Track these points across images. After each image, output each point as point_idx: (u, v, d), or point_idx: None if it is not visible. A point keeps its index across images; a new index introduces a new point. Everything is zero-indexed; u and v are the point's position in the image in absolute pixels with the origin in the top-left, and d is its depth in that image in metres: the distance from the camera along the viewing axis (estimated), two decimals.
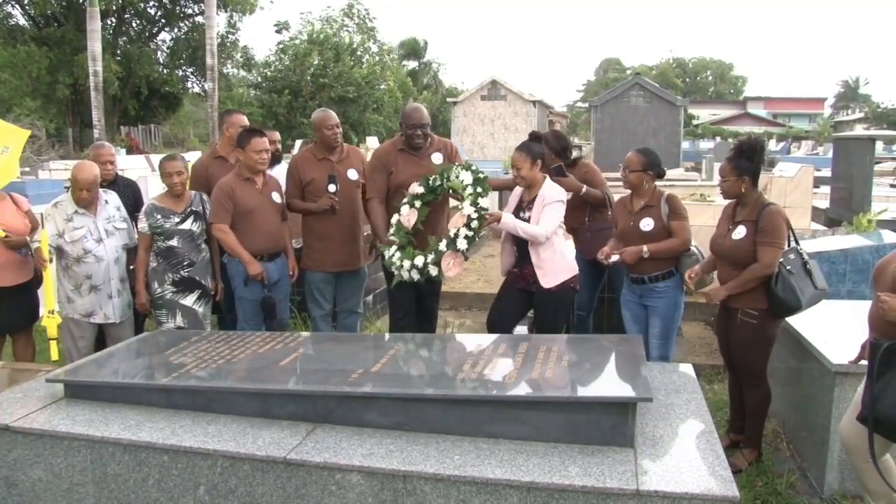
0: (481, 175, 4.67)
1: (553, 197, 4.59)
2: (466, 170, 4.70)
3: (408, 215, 4.79)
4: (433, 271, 4.47)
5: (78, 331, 4.90)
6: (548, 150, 5.37)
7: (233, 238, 4.88)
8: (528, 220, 4.62)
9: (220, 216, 4.89)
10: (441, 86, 51.12)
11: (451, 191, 4.83)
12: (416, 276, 4.52)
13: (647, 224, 4.55)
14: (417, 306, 5.22)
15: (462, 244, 4.45)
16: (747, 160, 4.12)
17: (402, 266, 4.57)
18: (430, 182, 4.80)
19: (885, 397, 3.00)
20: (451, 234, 4.51)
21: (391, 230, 4.83)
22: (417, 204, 4.81)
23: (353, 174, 5.32)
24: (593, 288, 5.73)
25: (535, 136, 5.00)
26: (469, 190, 4.57)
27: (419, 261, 4.52)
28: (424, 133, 5.03)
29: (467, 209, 4.50)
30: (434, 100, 46.50)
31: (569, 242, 4.85)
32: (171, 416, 3.16)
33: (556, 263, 4.62)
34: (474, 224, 4.46)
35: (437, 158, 5.07)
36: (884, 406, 3.00)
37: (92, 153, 5.53)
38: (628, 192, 4.81)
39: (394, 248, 4.69)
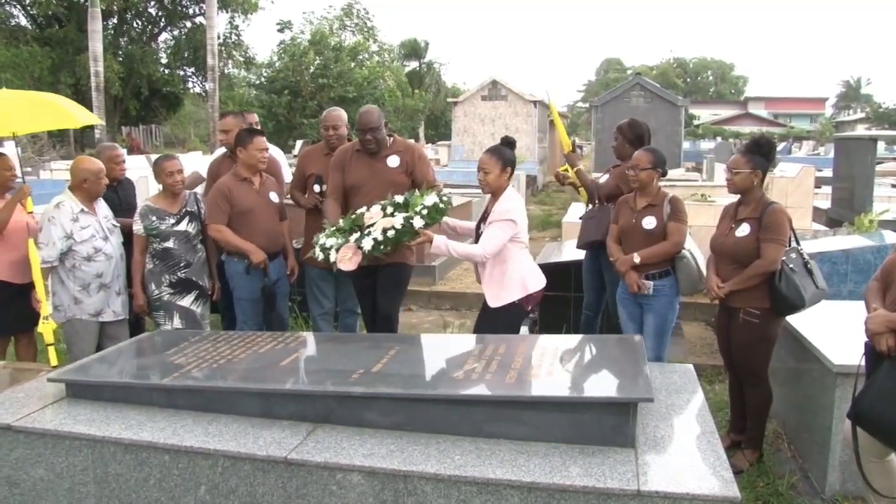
0: (443, 205, 4.32)
1: (502, 214, 4.27)
2: (436, 196, 4.36)
3: (373, 215, 4.38)
4: (332, 257, 4.24)
5: (85, 332, 4.89)
6: (622, 139, 5.38)
7: (229, 233, 4.89)
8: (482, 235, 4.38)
9: (215, 217, 4.90)
10: (442, 86, 51.10)
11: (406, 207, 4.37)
12: (319, 254, 4.30)
13: (649, 223, 4.55)
14: (372, 303, 5.07)
15: (367, 244, 4.16)
16: (762, 156, 4.12)
17: (318, 241, 4.36)
18: (410, 199, 4.40)
19: (867, 395, 3.06)
20: (365, 224, 4.30)
21: (345, 217, 4.53)
22: (388, 211, 4.37)
23: None
24: (600, 287, 5.67)
25: (507, 142, 4.56)
26: (417, 207, 4.23)
27: (330, 242, 4.29)
28: (375, 137, 4.82)
29: (396, 220, 4.19)
30: (436, 100, 46.52)
31: (526, 258, 4.46)
32: (172, 415, 3.16)
33: (503, 282, 4.34)
34: (390, 234, 4.15)
35: (392, 161, 4.91)
36: (864, 403, 3.06)
37: (105, 154, 5.50)
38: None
39: (331, 229, 4.45)
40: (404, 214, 4.19)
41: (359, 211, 4.48)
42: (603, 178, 5.60)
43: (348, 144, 5.13)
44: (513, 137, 4.66)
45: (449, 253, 4.33)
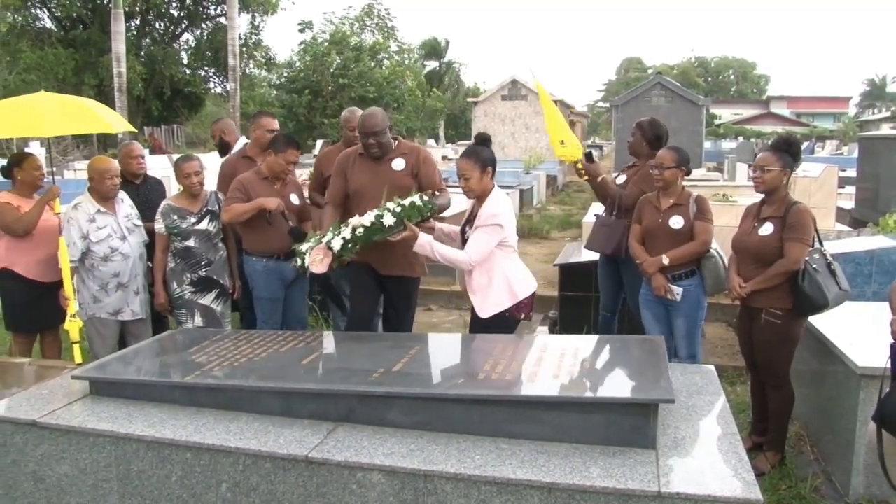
0: (426, 206, 4.16)
1: (488, 219, 4.05)
2: (417, 197, 4.19)
3: (362, 218, 4.16)
4: (305, 261, 4.12)
5: (105, 330, 4.96)
6: (640, 137, 5.34)
7: (237, 205, 4.79)
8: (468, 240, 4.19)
9: (229, 203, 4.86)
10: (462, 86, 51.12)
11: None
12: (298, 261, 4.18)
13: (676, 222, 4.52)
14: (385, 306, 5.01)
15: (336, 243, 4.04)
16: (791, 154, 4.09)
17: (298, 249, 4.25)
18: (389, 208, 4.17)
19: (892, 397, 3.03)
20: (339, 231, 4.13)
21: (334, 225, 4.31)
22: (389, 217, 4.11)
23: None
24: (616, 288, 5.64)
25: (483, 139, 4.34)
26: (388, 207, 4.06)
27: (304, 246, 4.19)
28: (378, 141, 4.58)
29: (365, 218, 4.06)
30: (456, 99, 46.54)
31: (514, 263, 4.26)
32: (193, 413, 3.19)
33: (492, 290, 4.12)
34: (359, 232, 4.03)
35: (398, 165, 4.70)
36: (890, 405, 3.02)
37: (122, 151, 5.57)
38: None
39: (316, 237, 4.28)
40: (376, 212, 4.06)
41: (351, 220, 4.23)
42: (619, 179, 5.51)
43: (351, 149, 4.93)
44: (487, 133, 4.47)
45: (433, 255, 4.11)
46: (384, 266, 4.70)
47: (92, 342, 5.01)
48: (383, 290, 4.90)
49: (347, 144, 5.38)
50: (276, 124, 5.68)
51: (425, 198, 4.20)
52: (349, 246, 4.05)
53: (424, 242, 4.06)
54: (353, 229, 4.04)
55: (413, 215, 4.07)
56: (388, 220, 3.98)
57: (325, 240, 4.10)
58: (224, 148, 6.18)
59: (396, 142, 4.82)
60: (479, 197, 4.18)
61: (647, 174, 5.14)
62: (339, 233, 4.09)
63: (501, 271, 4.14)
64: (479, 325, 4.21)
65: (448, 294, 8.42)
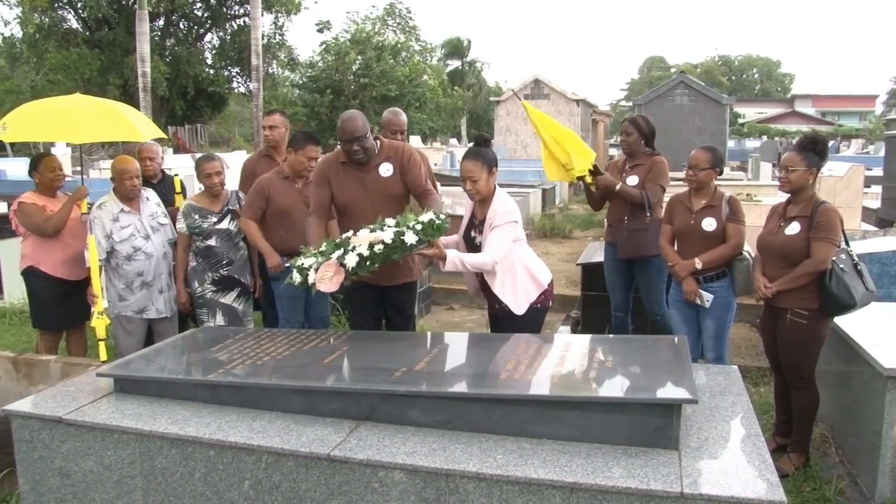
0: (440, 222, 3.81)
1: (503, 217, 3.99)
2: (433, 213, 3.86)
3: (361, 240, 3.81)
4: (311, 278, 3.68)
5: (131, 327, 5.02)
6: (637, 135, 5.33)
7: (253, 229, 4.89)
8: (479, 245, 4.12)
9: (249, 211, 4.93)
10: (484, 85, 51.07)
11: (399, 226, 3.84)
12: (297, 277, 3.75)
13: (709, 224, 4.49)
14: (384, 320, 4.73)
15: (350, 260, 3.63)
16: (817, 154, 4.05)
17: (295, 263, 3.85)
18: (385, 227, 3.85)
19: None
20: (350, 245, 3.73)
21: (328, 241, 3.98)
22: (411, 235, 3.78)
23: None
24: (627, 288, 5.67)
25: (484, 140, 4.21)
26: (408, 224, 3.73)
27: (308, 261, 3.76)
28: (362, 146, 4.27)
29: (386, 234, 3.68)
30: (478, 99, 46.51)
31: (529, 254, 4.23)
32: (216, 411, 3.21)
33: (519, 285, 4.11)
34: (378, 249, 3.64)
35: (385, 171, 4.41)
36: None
37: (135, 151, 5.62)
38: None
39: (311, 251, 3.92)
40: (395, 229, 3.71)
41: (344, 235, 3.98)
42: (629, 181, 5.38)
43: (331, 156, 4.55)
44: (486, 135, 4.32)
45: (464, 268, 3.97)
46: (386, 278, 4.41)
47: (118, 340, 5.07)
48: (381, 300, 4.65)
49: None
50: (275, 119, 5.65)
51: (442, 216, 3.89)
52: (367, 264, 3.67)
53: (454, 258, 3.89)
54: (371, 245, 3.66)
55: (434, 235, 3.80)
56: (411, 238, 3.65)
57: (334, 256, 3.71)
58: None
59: (378, 143, 4.48)
60: (484, 200, 4.11)
61: (657, 168, 5.17)
62: (352, 248, 3.71)
63: (521, 264, 4.14)
64: (512, 325, 4.12)
65: (470, 293, 8.40)
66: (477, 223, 4.20)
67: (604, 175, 5.33)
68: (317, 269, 3.68)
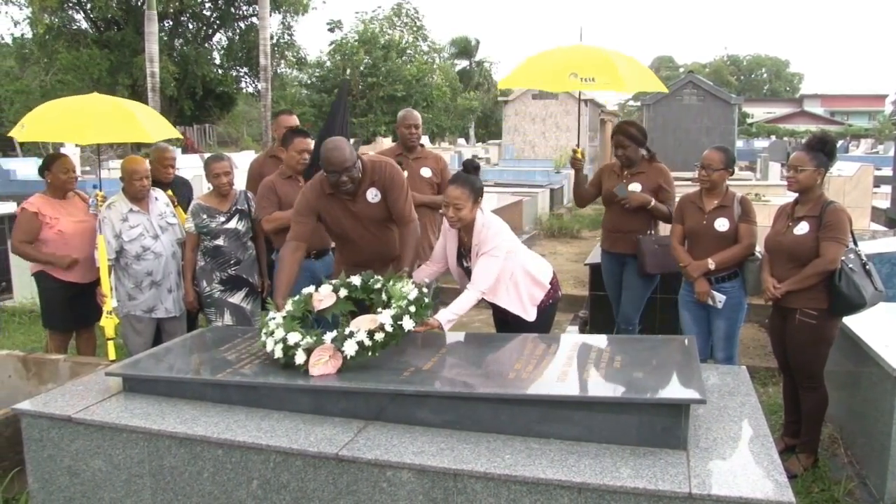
0: (427, 302, 3.62)
1: (488, 244, 3.90)
2: (415, 287, 3.65)
3: (322, 298, 3.75)
4: (299, 358, 3.32)
5: (140, 327, 5.03)
6: (635, 145, 5.27)
7: (279, 215, 4.82)
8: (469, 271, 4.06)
9: (266, 210, 4.92)
10: (493, 84, 51.07)
11: (383, 295, 3.73)
12: (279, 352, 3.38)
13: (722, 224, 4.48)
14: None
15: (349, 348, 3.28)
16: (825, 153, 4.04)
17: (270, 332, 3.49)
18: (370, 283, 3.80)
19: None
20: (348, 330, 3.39)
21: (294, 300, 3.79)
22: (342, 293, 3.79)
23: (426, 172, 5.64)
24: (639, 300, 5.47)
25: (473, 167, 4.10)
26: (403, 303, 3.50)
27: (293, 337, 3.39)
28: (350, 177, 4.05)
29: (385, 318, 3.38)
30: (486, 98, 46.50)
31: (525, 255, 4.21)
32: (225, 411, 3.22)
33: (524, 292, 4.10)
34: (379, 337, 3.33)
35: (372, 196, 4.25)
36: None
37: (154, 154, 5.56)
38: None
39: (279, 313, 3.67)
40: (392, 313, 3.42)
41: (304, 291, 3.80)
42: (632, 187, 5.24)
43: (315, 185, 4.28)
44: (477, 161, 4.27)
45: (459, 315, 3.88)
46: None
47: (127, 339, 5.09)
48: None
49: (404, 143, 5.68)
50: (293, 120, 5.69)
51: (424, 290, 3.72)
52: (368, 354, 3.34)
53: (448, 318, 3.81)
54: (371, 333, 3.34)
55: (424, 314, 3.58)
56: (409, 324, 3.42)
57: (327, 338, 3.37)
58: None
59: (360, 164, 4.18)
60: (465, 227, 4.02)
61: (667, 179, 5.17)
62: (351, 333, 3.36)
63: (521, 270, 4.12)
64: (522, 325, 4.10)
65: None
66: (465, 252, 4.15)
67: (638, 194, 5.17)
68: (307, 349, 3.35)
